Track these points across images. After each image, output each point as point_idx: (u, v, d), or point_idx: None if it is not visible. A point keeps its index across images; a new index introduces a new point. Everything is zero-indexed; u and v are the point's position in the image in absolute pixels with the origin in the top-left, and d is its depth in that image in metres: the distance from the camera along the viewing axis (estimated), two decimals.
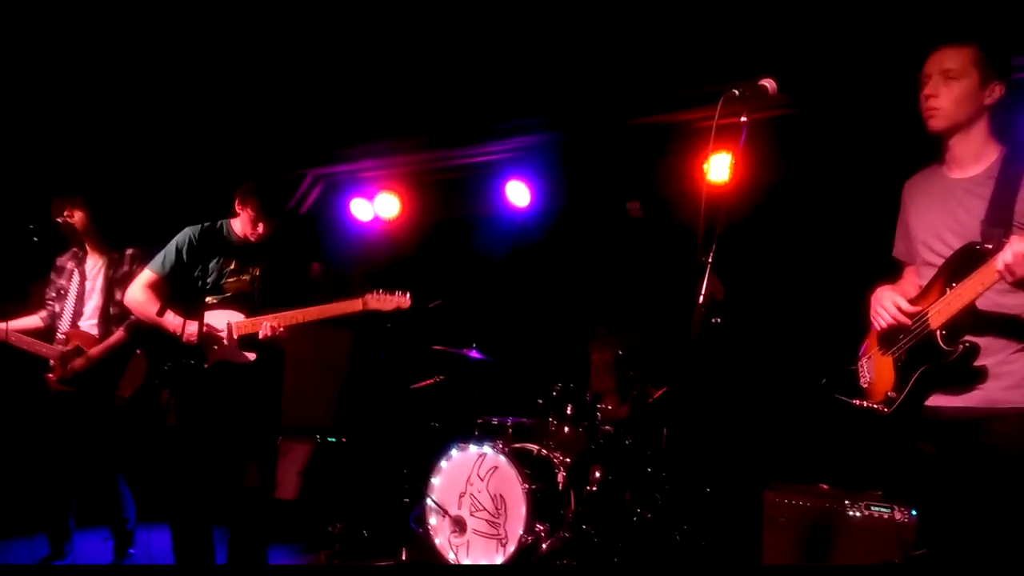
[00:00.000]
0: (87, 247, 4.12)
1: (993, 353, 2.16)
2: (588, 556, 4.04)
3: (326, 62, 4.72)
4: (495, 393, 5.17)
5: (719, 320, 3.56)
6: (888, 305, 2.33)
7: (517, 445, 4.42)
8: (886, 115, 3.95)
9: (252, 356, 3.48)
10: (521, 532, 3.95)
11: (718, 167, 3.23)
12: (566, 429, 4.47)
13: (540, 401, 4.59)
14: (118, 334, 3.97)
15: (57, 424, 3.97)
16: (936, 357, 2.20)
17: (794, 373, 4.34)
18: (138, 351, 4.01)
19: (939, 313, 2.19)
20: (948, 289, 2.18)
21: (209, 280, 3.49)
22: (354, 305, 3.58)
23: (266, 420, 3.57)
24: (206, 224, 3.55)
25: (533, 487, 4.04)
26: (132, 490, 4.19)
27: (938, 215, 2.34)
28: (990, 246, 2.09)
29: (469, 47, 4.48)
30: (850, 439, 3.97)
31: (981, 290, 2.07)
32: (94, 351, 3.94)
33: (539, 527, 4.04)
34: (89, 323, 4.03)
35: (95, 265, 4.11)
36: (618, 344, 4.95)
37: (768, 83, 2.28)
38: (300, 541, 4.93)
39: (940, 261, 2.27)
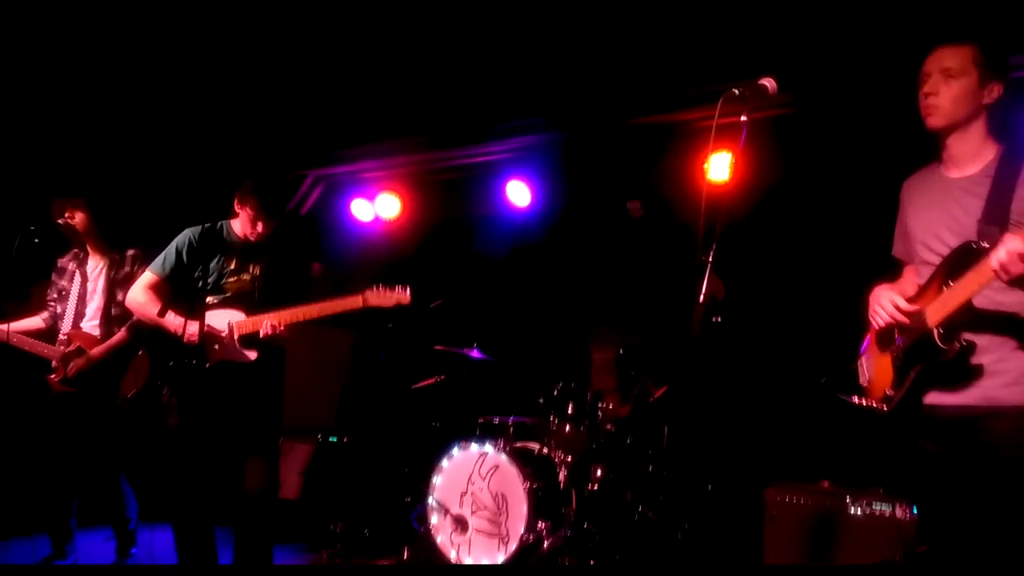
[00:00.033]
0: (88, 248, 4.13)
1: (991, 351, 2.17)
2: (589, 554, 4.04)
3: (326, 63, 4.73)
4: (496, 392, 5.18)
5: (720, 319, 3.58)
6: (886, 304, 2.34)
7: (518, 444, 4.43)
8: (886, 114, 3.94)
9: (253, 355, 3.48)
10: (522, 531, 3.96)
11: (718, 166, 3.24)
12: (567, 428, 4.48)
13: (541, 400, 4.59)
14: (120, 334, 3.98)
15: (59, 425, 3.98)
16: (933, 355, 2.20)
17: (794, 371, 4.34)
18: (140, 351, 4.02)
19: (936, 311, 2.19)
20: (945, 287, 2.19)
21: (210, 280, 3.49)
22: (354, 301, 3.56)
23: (268, 418, 3.58)
24: (206, 225, 3.55)
25: (534, 486, 4.04)
26: (134, 490, 4.21)
27: (936, 214, 2.34)
28: (986, 244, 2.10)
29: (469, 47, 4.49)
30: (851, 437, 3.97)
31: (977, 288, 2.08)
32: (95, 351, 3.95)
33: (540, 526, 4.04)
34: (91, 324, 4.04)
35: (96, 266, 4.11)
36: (619, 343, 4.95)
37: (768, 82, 2.28)
38: (302, 540, 4.94)
39: (938, 260, 2.28)
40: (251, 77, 4.86)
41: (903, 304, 2.30)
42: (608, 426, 4.54)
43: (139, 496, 4.22)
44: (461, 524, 4.19)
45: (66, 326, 4.05)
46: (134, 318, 3.86)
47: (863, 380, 2.50)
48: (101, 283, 4.08)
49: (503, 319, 5.71)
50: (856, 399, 2.47)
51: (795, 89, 3.94)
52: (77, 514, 4.06)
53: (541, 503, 4.06)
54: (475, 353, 4.76)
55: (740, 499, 4.34)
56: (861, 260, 3.05)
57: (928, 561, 2.33)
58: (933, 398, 2.27)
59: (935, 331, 2.18)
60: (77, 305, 4.06)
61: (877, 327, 2.41)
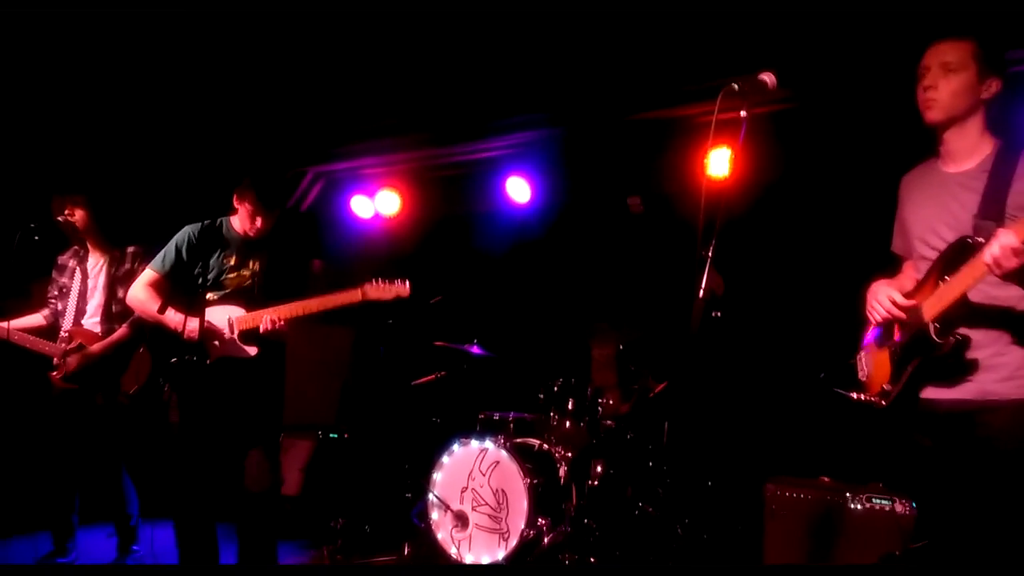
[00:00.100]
0: (88, 245, 4.14)
1: (986, 345, 2.17)
2: (590, 550, 4.05)
3: (326, 60, 4.73)
4: (496, 388, 5.19)
5: (719, 314, 3.57)
6: (883, 299, 2.34)
7: (518, 440, 4.44)
8: (885, 109, 3.94)
9: (253, 351, 3.49)
10: (523, 526, 3.97)
11: (718, 162, 3.23)
12: (567, 424, 4.49)
13: (541, 396, 4.60)
14: (121, 331, 3.98)
15: (61, 422, 3.99)
16: (929, 350, 2.21)
17: (794, 367, 4.35)
18: (141, 348, 4.02)
19: (932, 306, 2.20)
20: (941, 282, 2.19)
21: (209, 277, 3.49)
22: (353, 295, 3.56)
23: (269, 414, 3.59)
24: (205, 222, 3.55)
25: (535, 482, 4.05)
26: (136, 487, 4.22)
27: (933, 209, 2.35)
28: (982, 239, 2.10)
29: (469, 44, 4.48)
30: (850, 432, 3.98)
31: (971, 283, 2.08)
32: (96, 347, 3.96)
33: (541, 521, 4.05)
34: (92, 321, 4.05)
35: (97, 263, 4.12)
36: (619, 339, 4.96)
37: (767, 77, 2.28)
38: (303, 537, 4.95)
39: (935, 255, 2.28)
40: (251, 74, 4.85)
41: (900, 299, 2.31)
42: (608, 422, 4.55)
43: (140, 493, 4.23)
44: (462, 520, 4.20)
45: (67, 323, 4.06)
46: (135, 315, 3.86)
47: (862, 375, 2.51)
48: (102, 280, 4.08)
49: (503, 315, 5.71)
50: (855, 394, 2.48)
51: (795, 84, 3.95)
52: (79, 511, 4.08)
53: (541, 499, 4.07)
54: (475, 349, 4.77)
55: (740, 494, 4.34)
56: (861, 255, 3.05)
57: (926, 555, 2.34)
58: (930, 393, 2.27)
59: (931, 326, 2.19)
60: (78, 302, 4.07)
61: (874, 322, 2.41)
